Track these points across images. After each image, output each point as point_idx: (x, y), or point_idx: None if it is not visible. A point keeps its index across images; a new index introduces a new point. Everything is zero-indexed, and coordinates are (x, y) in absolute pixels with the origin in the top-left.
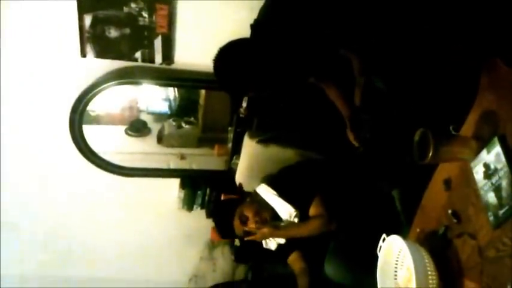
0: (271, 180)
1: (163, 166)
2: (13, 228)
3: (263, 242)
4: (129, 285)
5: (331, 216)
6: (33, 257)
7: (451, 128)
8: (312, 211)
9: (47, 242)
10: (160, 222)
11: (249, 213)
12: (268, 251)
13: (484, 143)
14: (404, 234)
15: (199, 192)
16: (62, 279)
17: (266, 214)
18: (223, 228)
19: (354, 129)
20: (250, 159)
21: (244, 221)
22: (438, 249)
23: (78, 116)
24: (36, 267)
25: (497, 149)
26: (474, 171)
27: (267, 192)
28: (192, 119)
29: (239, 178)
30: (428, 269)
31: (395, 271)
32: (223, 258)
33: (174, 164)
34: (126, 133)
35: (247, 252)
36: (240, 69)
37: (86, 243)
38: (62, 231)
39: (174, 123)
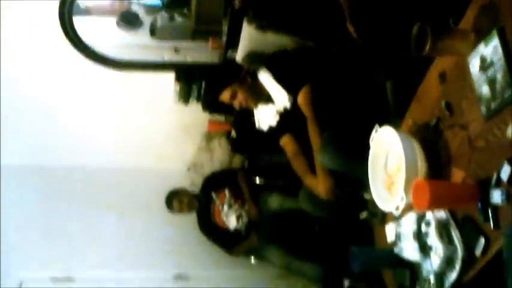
0: (266, 62)
1: (158, 59)
2: (11, 120)
3: (256, 121)
4: (129, 174)
5: (318, 116)
6: (32, 149)
7: (450, 21)
8: (300, 99)
9: (44, 134)
10: (157, 116)
11: (240, 96)
12: (262, 137)
13: (482, 36)
14: (394, 125)
15: (194, 85)
16: (62, 170)
17: (252, 104)
18: (211, 93)
19: (354, 21)
20: (248, 44)
21: (233, 97)
22: (429, 139)
23: (68, 6)
24: (35, 159)
25: (495, 41)
26: (470, 64)
27: (265, 78)
28: (185, 10)
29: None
30: (418, 157)
31: (387, 160)
32: (220, 149)
33: (168, 57)
34: (118, 25)
35: (243, 142)
36: None
37: (84, 136)
38: (59, 124)
39: (166, 15)
